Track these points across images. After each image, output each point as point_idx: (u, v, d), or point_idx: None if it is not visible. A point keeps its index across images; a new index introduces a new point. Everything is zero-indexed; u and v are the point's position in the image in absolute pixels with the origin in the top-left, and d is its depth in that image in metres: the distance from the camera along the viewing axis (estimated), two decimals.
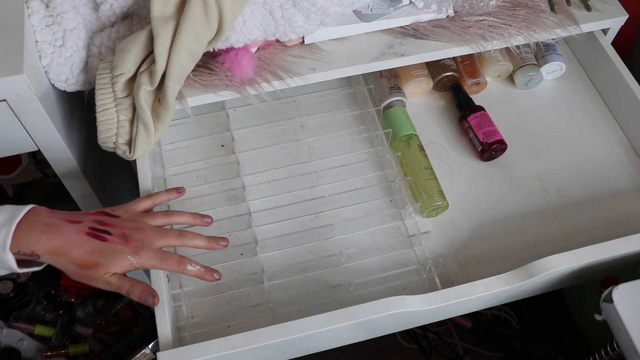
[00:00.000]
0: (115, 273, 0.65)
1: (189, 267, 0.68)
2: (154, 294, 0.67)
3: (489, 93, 1.01)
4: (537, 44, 0.92)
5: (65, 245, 0.63)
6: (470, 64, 0.99)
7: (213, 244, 0.72)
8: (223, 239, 0.73)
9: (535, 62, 1.00)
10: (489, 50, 0.89)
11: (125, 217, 0.69)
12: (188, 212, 0.75)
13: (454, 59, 1.00)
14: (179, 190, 0.78)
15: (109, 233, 0.65)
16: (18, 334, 1.29)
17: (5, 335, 1.29)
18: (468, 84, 0.99)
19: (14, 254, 0.61)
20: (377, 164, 0.92)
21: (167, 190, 0.78)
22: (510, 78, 1.03)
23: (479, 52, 0.89)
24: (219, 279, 0.71)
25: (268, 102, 0.84)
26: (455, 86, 0.98)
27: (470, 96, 0.97)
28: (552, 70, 1.01)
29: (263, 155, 0.92)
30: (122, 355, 1.27)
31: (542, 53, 1.00)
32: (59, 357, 1.29)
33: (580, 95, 1.01)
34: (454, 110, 0.98)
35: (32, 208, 0.64)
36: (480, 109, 0.94)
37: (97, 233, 0.64)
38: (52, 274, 1.39)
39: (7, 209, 0.63)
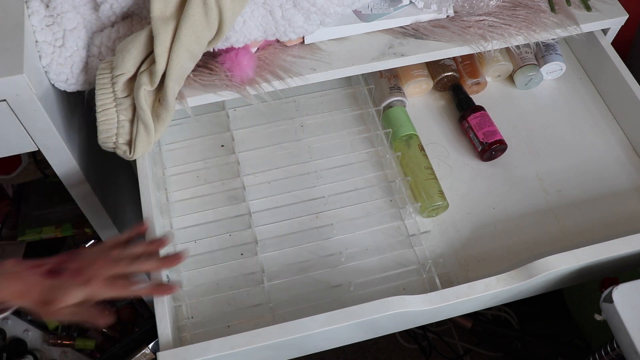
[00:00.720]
0: (72, 305, 0.67)
1: (138, 287, 0.69)
2: (103, 316, 0.68)
3: (489, 93, 1.01)
4: (537, 44, 0.92)
5: (24, 288, 0.66)
6: (470, 64, 0.99)
7: (167, 263, 0.73)
8: (179, 254, 0.71)
9: (535, 62, 1.00)
10: (489, 50, 0.89)
11: (88, 253, 0.70)
12: (144, 242, 0.75)
13: (453, 59, 1.00)
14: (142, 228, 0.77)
15: (64, 270, 0.67)
16: (24, 324, 1.31)
17: (10, 326, 1.30)
18: (468, 84, 0.99)
19: None
20: (377, 164, 0.92)
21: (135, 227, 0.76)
22: (510, 78, 1.03)
23: (479, 52, 0.89)
24: (175, 292, 0.72)
25: (268, 102, 0.84)
26: (455, 86, 0.98)
27: (470, 96, 0.97)
28: (552, 70, 1.01)
29: (263, 155, 0.92)
30: (122, 355, 1.27)
31: (542, 53, 1.00)
32: (65, 347, 1.30)
33: (580, 95, 1.01)
34: (454, 110, 0.98)
35: (5, 261, 0.67)
36: (480, 109, 0.94)
37: (54, 272, 0.67)
38: None
39: None
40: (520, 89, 1.02)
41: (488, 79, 1.02)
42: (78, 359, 1.30)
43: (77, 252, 0.71)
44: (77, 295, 0.67)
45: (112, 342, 1.34)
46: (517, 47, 0.96)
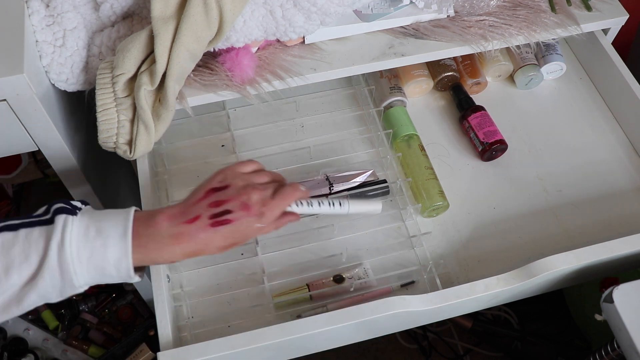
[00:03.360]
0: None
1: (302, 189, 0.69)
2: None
3: (490, 93, 1.01)
4: (537, 43, 0.92)
5: (199, 247, 0.64)
6: (470, 64, 0.99)
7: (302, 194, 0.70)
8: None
9: (536, 62, 1.00)
10: (490, 50, 0.89)
11: (235, 183, 0.67)
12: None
13: (454, 58, 1.00)
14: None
15: (229, 211, 0.64)
16: (24, 323, 1.31)
17: (11, 325, 1.31)
18: (468, 84, 0.98)
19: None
20: (377, 164, 0.92)
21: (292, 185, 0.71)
22: (511, 78, 1.02)
23: (480, 52, 0.89)
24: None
25: (268, 102, 0.84)
26: (455, 86, 0.98)
27: (471, 96, 0.97)
28: (553, 70, 1.00)
29: (263, 155, 0.92)
30: (121, 355, 1.27)
31: (542, 53, 1.00)
32: (79, 351, 1.32)
33: (581, 95, 1.01)
34: (454, 110, 0.98)
35: (136, 216, 0.63)
36: (480, 108, 0.94)
37: (220, 219, 0.64)
38: None
39: (108, 223, 0.61)
40: (521, 88, 1.02)
41: (488, 78, 1.02)
42: (79, 359, 1.31)
43: (220, 186, 0.66)
44: (256, 231, 0.66)
45: (114, 342, 1.35)
46: (518, 47, 0.96)
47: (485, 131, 0.92)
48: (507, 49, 0.97)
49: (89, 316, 1.37)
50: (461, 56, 0.99)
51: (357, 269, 0.81)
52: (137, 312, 1.41)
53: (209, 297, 0.79)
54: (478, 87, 1.00)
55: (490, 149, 0.91)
